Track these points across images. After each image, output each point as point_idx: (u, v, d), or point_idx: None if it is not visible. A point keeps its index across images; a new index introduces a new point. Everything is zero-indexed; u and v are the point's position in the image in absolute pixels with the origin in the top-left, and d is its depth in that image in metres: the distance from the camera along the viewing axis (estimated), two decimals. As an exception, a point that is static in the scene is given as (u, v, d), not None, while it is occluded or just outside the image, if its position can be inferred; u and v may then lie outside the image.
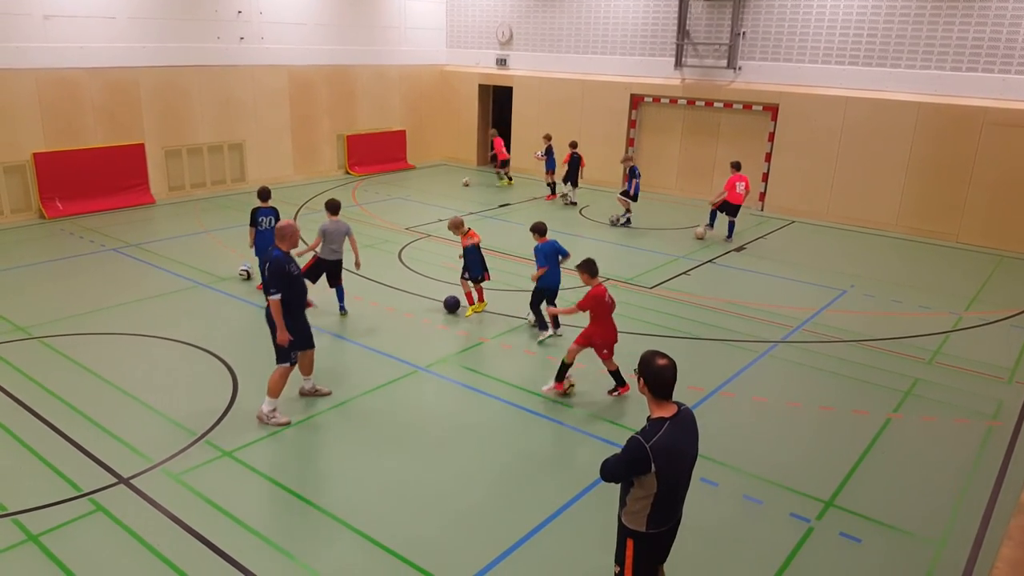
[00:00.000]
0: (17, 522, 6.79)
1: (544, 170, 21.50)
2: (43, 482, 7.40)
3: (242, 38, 20.45)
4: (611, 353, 9.31)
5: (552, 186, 21.36)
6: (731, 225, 17.38)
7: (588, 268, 9.22)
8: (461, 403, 9.36)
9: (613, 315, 9.33)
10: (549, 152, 21.10)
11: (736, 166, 17.39)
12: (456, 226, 11.97)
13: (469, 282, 12.06)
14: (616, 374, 9.44)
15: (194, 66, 19.56)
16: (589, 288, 9.22)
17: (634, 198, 18.32)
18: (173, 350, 10.56)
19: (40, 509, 6.98)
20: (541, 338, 11.19)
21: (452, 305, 12.10)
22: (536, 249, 11.00)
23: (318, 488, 7.45)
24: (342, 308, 11.93)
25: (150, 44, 18.60)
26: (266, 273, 8.23)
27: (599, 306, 9.12)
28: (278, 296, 8.14)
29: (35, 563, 6.30)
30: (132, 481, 7.42)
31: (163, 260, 14.38)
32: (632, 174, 18.27)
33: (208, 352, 10.44)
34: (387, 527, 6.88)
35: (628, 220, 18.59)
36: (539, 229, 11.08)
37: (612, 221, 18.65)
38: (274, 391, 8.51)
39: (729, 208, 17.23)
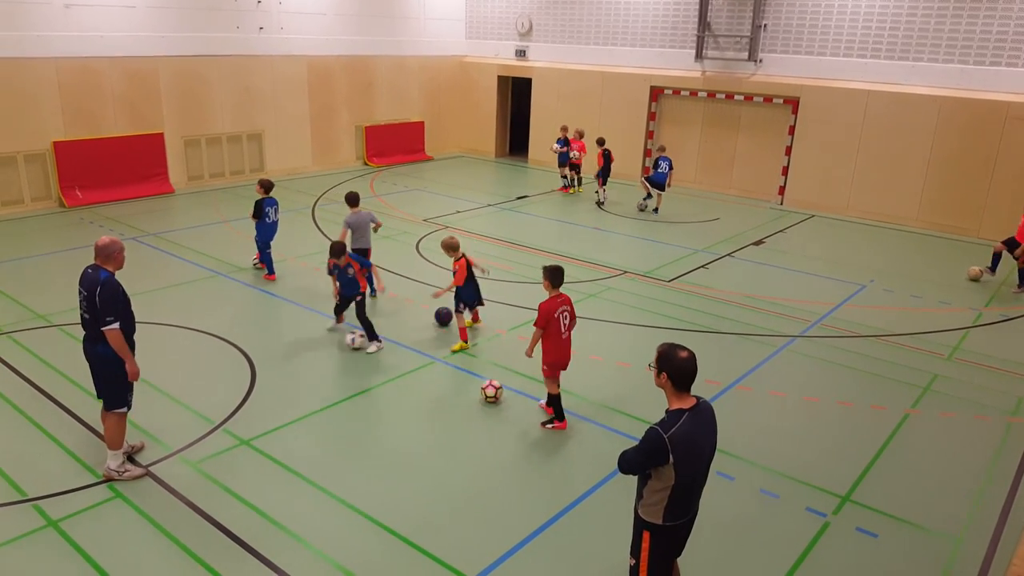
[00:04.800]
0: (38, 507, 6.87)
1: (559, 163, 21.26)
2: (63, 468, 7.48)
3: (261, 28, 20.49)
4: (553, 373, 8.44)
5: (567, 179, 21.29)
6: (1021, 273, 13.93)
7: (551, 275, 8.32)
8: (477, 394, 9.36)
9: (572, 334, 8.49)
10: (564, 143, 20.87)
11: None
12: (450, 248, 10.52)
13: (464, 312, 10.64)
14: (556, 402, 8.57)
15: (213, 56, 19.64)
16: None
17: (653, 184, 18.82)
18: (192, 339, 10.63)
19: (60, 495, 7.05)
20: (371, 350, 10.33)
21: (444, 317, 11.13)
22: (355, 258, 10.42)
23: (335, 477, 7.49)
24: (373, 292, 12.14)
25: (170, 33, 18.69)
26: (97, 299, 6.77)
27: (550, 322, 8.23)
28: (116, 325, 6.85)
29: (55, 549, 6.36)
30: (151, 468, 7.48)
31: (182, 249, 14.47)
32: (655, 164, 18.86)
33: (226, 341, 10.50)
34: (404, 517, 6.91)
35: (646, 206, 19.06)
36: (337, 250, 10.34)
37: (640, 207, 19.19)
38: (117, 442, 7.28)
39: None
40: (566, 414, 8.74)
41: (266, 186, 12.91)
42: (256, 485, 7.32)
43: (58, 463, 7.57)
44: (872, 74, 18.72)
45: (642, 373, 9.84)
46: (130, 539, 6.51)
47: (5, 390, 8.95)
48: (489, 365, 10.06)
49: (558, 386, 8.52)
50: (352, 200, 12.06)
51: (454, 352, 10.42)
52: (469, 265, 10.41)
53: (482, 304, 10.93)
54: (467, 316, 10.73)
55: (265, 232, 12.85)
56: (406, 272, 13.30)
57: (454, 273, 10.45)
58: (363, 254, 11.63)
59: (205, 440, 8.07)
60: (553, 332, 8.26)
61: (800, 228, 18.15)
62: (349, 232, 11.74)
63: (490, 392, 9.03)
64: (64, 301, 11.54)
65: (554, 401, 8.56)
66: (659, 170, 18.61)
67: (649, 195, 18.96)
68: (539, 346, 8.44)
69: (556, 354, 8.36)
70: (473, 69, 26.24)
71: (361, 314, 10.42)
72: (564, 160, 20.95)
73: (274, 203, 12.88)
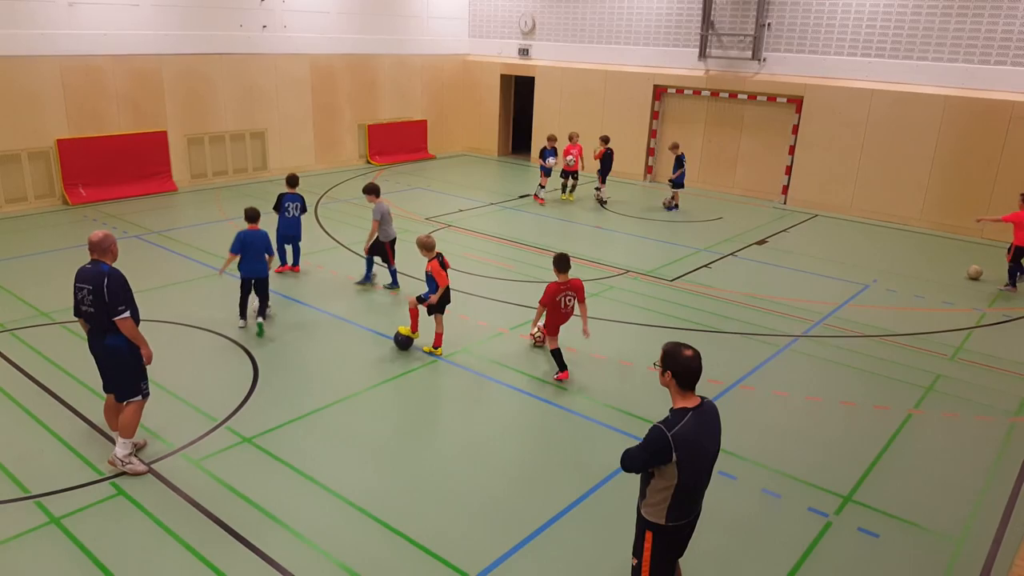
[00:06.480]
0: (40, 504, 6.88)
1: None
2: (66, 466, 7.49)
3: (265, 26, 20.50)
4: (552, 332, 9.64)
5: (544, 188, 19.94)
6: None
7: (556, 263, 9.51)
8: (479, 393, 9.36)
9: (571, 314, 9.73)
10: (553, 153, 19.72)
11: None
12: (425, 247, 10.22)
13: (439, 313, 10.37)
14: (558, 355, 9.63)
15: (217, 54, 19.65)
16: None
17: (677, 186, 19.19)
18: (194, 337, 10.63)
19: (62, 492, 7.06)
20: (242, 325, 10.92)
21: (403, 343, 10.44)
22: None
23: (338, 475, 7.49)
24: (395, 283, 12.78)
25: (173, 32, 18.70)
26: (106, 291, 6.93)
27: (551, 302, 9.47)
28: (128, 313, 7.04)
29: (57, 546, 6.37)
30: (153, 466, 7.49)
31: (185, 247, 14.48)
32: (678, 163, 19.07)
33: (229, 339, 10.51)
34: (405, 516, 6.91)
35: (676, 205, 19.40)
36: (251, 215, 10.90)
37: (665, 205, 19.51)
38: (130, 431, 7.37)
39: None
40: (566, 411, 8.79)
41: (289, 181, 13.18)
42: (258, 482, 7.32)
43: (61, 460, 7.58)
44: (876, 73, 18.69)
45: (645, 372, 9.85)
46: (133, 536, 6.52)
47: (8, 387, 8.97)
48: (491, 364, 10.06)
49: (557, 342, 9.64)
50: (374, 190, 12.60)
51: (427, 352, 10.33)
52: (444, 265, 10.09)
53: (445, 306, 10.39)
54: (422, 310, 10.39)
55: (281, 226, 12.98)
56: (407, 271, 13.27)
57: (429, 274, 10.06)
58: (392, 244, 12.56)
59: (207, 438, 8.07)
60: (554, 309, 9.50)
61: (803, 228, 18.13)
62: (380, 223, 12.32)
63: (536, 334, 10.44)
64: (67, 298, 11.41)
65: (556, 355, 9.62)
66: (681, 170, 18.99)
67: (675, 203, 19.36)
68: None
69: (555, 324, 9.59)
70: (476, 68, 26.23)
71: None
72: (548, 172, 19.71)
73: (296, 199, 12.98)
